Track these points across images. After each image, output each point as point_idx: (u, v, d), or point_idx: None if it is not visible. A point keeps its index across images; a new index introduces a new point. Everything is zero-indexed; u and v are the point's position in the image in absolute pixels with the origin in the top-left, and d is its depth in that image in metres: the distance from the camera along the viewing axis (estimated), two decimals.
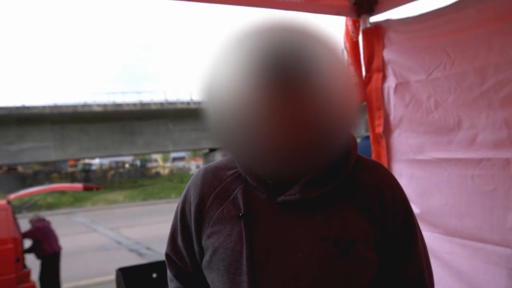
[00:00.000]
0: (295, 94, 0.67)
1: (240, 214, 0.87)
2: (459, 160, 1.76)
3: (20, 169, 30.33)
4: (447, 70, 1.74)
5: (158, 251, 8.54)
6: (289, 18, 0.72)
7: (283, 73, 0.66)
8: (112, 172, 34.23)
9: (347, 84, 0.72)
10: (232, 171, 0.94)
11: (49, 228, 5.29)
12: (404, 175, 1.92)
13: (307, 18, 0.73)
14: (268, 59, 0.66)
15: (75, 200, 21.55)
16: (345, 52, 2.09)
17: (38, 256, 5.02)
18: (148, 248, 9.37)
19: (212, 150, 26.21)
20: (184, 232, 0.97)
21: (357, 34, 2.09)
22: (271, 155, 0.71)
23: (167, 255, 1.05)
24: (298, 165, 0.74)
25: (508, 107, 1.57)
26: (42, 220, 5.33)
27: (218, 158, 1.02)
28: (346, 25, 2.11)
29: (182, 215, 0.98)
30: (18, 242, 4.67)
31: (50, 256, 5.13)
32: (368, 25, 2.09)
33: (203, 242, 0.92)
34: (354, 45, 2.09)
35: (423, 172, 1.90)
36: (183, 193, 0.99)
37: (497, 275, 1.61)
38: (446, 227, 1.81)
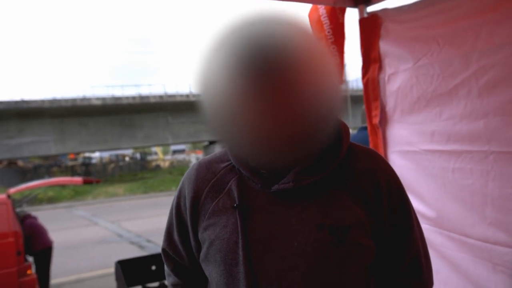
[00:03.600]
0: (282, 85, 0.68)
1: (235, 205, 0.87)
2: (442, 152, 1.75)
3: (20, 163, 30.34)
4: (434, 57, 1.73)
5: (159, 244, 8.55)
6: (271, 10, 0.73)
7: (268, 65, 0.67)
8: (112, 165, 34.24)
9: (330, 71, 0.73)
10: (226, 164, 0.94)
11: (37, 224, 5.28)
12: (398, 166, 1.91)
13: (289, 9, 0.74)
14: (253, 52, 0.67)
15: (76, 194, 21.58)
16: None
17: (30, 253, 5.03)
18: (148, 241, 9.41)
19: (212, 142, 26.20)
20: (180, 227, 0.98)
21: (343, 16, 2.07)
22: (263, 145, 0.72)
23: (163, 250, 1.06)
24: (289, 154, 0.75)
25: (486, 96, 1.55)
26: (29, 216, 5.32)
27: (217, 150, 1.02)
28: (333, 7, 2.07)
29: (177, 210, 0.98)
30: (18, 236, 4.68)
31: (42, 252, 5.14)
32: (365, 15, 2.07)
33: (200, 236, 0.92)
34: (339, 26, 2.06)
35: (413, 164, 1.90)
36: (178, 188, 1.00)
37: (485, 269, 1.61)
38: (435, 220, 1.81)
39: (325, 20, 2.06)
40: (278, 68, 0.67)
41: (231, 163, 0.93)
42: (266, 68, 0.67)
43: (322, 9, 2.07)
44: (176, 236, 1.00)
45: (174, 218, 0.99)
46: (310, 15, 2.13)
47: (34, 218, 5.36)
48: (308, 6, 2.13)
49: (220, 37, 0.72)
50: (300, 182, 0.84)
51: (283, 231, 0.83)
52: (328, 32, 2.05)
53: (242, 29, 0.70)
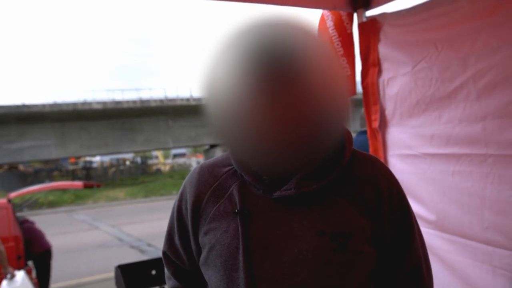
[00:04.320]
0: (289, 89, 0.68)
1: (236, 210, 0.87)
2: (441, 155, 1.75)
3: (21, 167, 30.33)
4: (432, 61, 1.74)
5: (160, 248, 8.53)
6: (280, 14, 0.73)
7: (276, 69, 0.67)
8: (113, 169, 34.20)
9: (337, 78, 0.73)
10: (228, 168, 0.94)
11: (35, 229, 5.28)
12: (398, 170, 1.92)
13: (298, 14, 0.74)
14: (261, 56, 0.68)
15: (77, 198, 21.56)
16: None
17: (29, 257, 5.03)
18: (149, 245, 9.39)
19: (212, 146, 26.21)
20: (181, 230, 0.98)
21: (351, 26, 2.08)
22: (267, 150, 0.72)
23: (164, 253, 1.06)
24: (293, 160, 0.75)
25: (484, 98, 1.56)
26: (26, 220, 5.32)
27: (218, 154, 1.02)
28: (340, 17, 2.09)
29: (178, 214, 0.98)
30: (19, 240, 4.68)
31: (41, 255, 5.14)
32: (364, 19, 2.08)
33: (200, 240, 0.92)
34: (348, 37, 2.08)
35: (412, 167, 1.90)
36: (179, 192, 1.00)
37: (484, 272, 1.61)
38: (435, 223, 1.81)
39: (333, 32, 2.07)
40: (287, 71, 0.67)
41: (233, 167, 0.93)
42: (276, 71, 0.67)
43: (329, 21, 2.08)
44: (177, 240, 1.00)
45: (175, 221, 0.99)
46: (319, 25, 2.14)
47: (32, 223, 5.35)
48: (317, 12, 2.14)
49: (229, 38, 0.72)
50: (302, 189, 0.84)
51: (284, 237, 0.83)
52: (337, 44, 2.06)
53: (253, 32, 0.70)
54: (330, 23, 2.09)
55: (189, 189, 0.96)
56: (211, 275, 0.89)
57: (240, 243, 0.84)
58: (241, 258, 0.83)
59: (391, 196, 0.89)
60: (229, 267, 0.85)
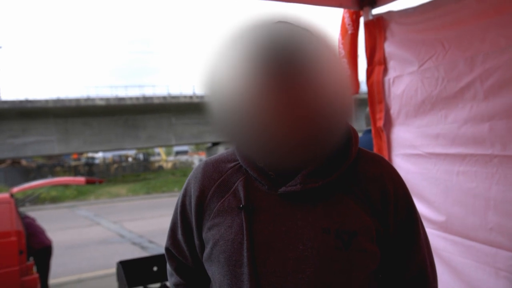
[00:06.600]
0: (295, 86, 0.69)
1: (241, 206, 0.87)
2: (446, 155, 1.74)
3: (24, 162, 30.45)
4: (439, 60, 1.73)
5: (161, 245, 8.58)
6: (287, 12, 0.74)
7: (283, 65, 0.68)
8: (115, 165, 34.29)
9: (342, 76, 0.74)
10: (233, 164, 0.94)
11: (34, 225, 5.29)
12: (402, 169, 1.91)
13: (304, 12, 0.75)
14: (268, 52, 0.68)
15: (79, 194, 21.62)
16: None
17: (29, 253, 5.05)
18: (151, 242, 9.41)
19: (215, 144, 26.23)
20: (184, 226, 0.98)
21: (354, 27, 2.07)
22: (273, 146, 0.72)
23: (167, 249, 1.05)
24: (299, 156, 0.75)
25: (491, 98, 1.55)
26: (27, 217, 5.33)
27: (221, 151, 1.02)
28: (343, 17, 2.08)
29: (182, 209, 0.98)
30: (21, 235, 4.69)
31: (41, 251, 5.16)
32: (370, 18, 2.06)
33: (204, 235, 0.92)
34: (349, 38, 2.07)
35: (417, 167, 1.89)
36: (184, 187, 1.00)
37: (487, 274, 1.60)
38: (439, 224, 1.80)
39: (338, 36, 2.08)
40: (296, 68, 0.68)
41: (239, 163, 0.93)
42: (282, 68, 0.68)
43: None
44: (180, 235, 1.00)
45: (178, 217, 0.99)
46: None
47: (32, 219, 5.37)
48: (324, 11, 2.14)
49: (236, 35, 0.72)
50: (308, 185, 0.83)
51: (288, 234, 0.83)
52: (340, 46, 2.05)
53: (262, 28, 0.71)
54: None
55: (193, 184, 0.96)
56: (215, 270, 0.89)
57: (245, 238, 0.84)
58: (245, 253, 0.83)
59: (397, 196, 0.88)
60: (233, 262, 0.84)
